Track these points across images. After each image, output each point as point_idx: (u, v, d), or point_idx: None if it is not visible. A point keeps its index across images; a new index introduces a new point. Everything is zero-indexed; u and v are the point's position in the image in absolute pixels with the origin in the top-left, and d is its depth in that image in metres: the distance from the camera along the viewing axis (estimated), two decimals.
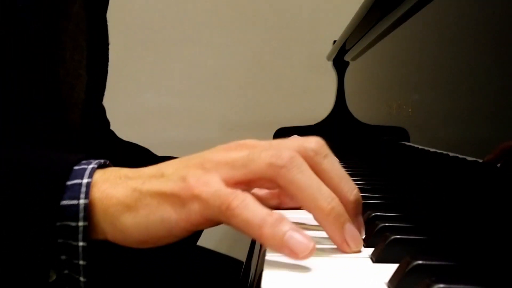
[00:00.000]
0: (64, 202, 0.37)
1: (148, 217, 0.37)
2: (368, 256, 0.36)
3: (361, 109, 1.03)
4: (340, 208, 0.37)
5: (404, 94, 0.68)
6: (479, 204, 0.43)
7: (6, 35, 0.49)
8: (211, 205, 0.35)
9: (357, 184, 0.61)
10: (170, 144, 1.40)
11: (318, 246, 0.38)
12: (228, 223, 0.35)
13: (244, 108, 1.57)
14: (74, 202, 0.37)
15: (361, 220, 0.40)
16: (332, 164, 0.39)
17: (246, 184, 0.37)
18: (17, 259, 0.36)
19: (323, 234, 0.38)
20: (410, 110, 0.64)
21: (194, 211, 0.36)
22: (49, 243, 0.36)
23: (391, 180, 0.69)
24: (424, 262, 0.29)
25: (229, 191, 0.35)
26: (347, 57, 1.13)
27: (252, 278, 0.35)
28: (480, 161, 0.43)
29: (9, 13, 0.49)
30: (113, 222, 0.37)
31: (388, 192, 0.57)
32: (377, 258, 0.34)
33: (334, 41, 1.15)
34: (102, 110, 0.77)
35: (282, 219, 0.34)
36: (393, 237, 0.34)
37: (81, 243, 0.37)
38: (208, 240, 0.76)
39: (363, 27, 0.85)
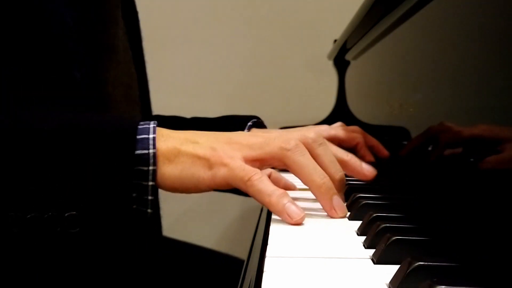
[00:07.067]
0: (138, 152, 0.46)
1: (182, 171, 0.47)
2: (369, 257, 0.36)
3: (362, 108, 1.03)
4: (330, 183, 0.48)
5: (406, 93, 0.68)
6: (480, 204, 0.43)
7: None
8: (236, 174, 0.46)
9: (358, 184, 0.62)
10: None
11: (318, 246, 0.38)
12: (245, 190, 0.46)
13: (244, 108, 1.56)
14: (145, 151, 0.46)
15: (342, 196, 0.50)
16: (325, 150, 0.51)
17: (260, 162, 0.48)
18: (106, 197, 0.45)
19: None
20: (411, 109, 0.64)
21: (219, 175, 0.47)
22: (128, 183, 0.46)
23: (392, 180, 0.69)
24: (426, 263, 0.29)
25: (251, 168, 0.47)
26: (348, 56, 1.13)
27: (253, 277, 0.35)
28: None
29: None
30: (156, 169, 0.47)
31: (389, 192, 0.56)
32: (378, 259, 0.34)
33: (335, 40, 1.15)
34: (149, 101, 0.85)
35: (285, 193, 0.46)
36: (394, 238, 0.34)
37: (150, 183, 0.47)
38: (208, 239, 0.76)
39: (364, 26, 0.85)
